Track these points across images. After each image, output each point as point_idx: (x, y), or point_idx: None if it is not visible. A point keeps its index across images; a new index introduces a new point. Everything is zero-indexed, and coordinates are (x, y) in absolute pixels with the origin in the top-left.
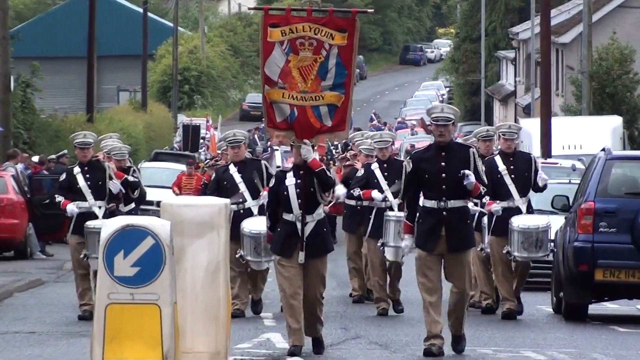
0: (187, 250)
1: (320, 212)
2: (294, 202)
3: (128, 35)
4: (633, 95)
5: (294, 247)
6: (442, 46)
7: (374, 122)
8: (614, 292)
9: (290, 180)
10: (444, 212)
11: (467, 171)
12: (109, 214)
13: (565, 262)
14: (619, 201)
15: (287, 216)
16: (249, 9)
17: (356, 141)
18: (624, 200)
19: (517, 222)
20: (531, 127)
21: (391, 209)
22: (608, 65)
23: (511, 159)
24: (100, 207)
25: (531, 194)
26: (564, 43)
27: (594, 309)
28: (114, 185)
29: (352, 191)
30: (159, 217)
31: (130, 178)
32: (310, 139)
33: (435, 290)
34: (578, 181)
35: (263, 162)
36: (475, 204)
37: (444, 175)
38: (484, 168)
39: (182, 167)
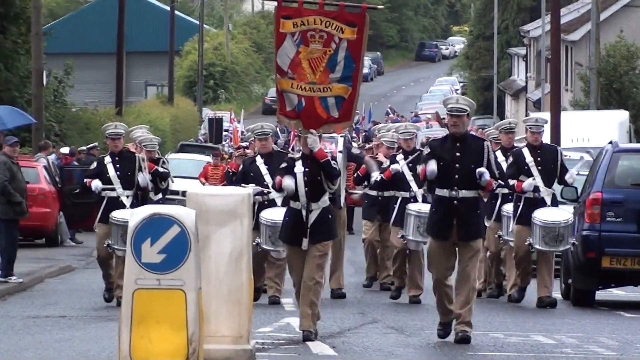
0: (212, 238)
1: (326, 199)
2: (301, 190)
3: (156, 32)
4: (639, 91)
5: (299, 234)
6: (457, 43)
7: (391, 116)
8: (620, 279)
9: (298, 169)
10: (455, 201)
11: (482, 169)
12: (137, 203)
13: (573, 250)
14: (625, 192)
15: (293, 204)
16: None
17: (378, 133)
18: (630, 191)
19: (540, 216)
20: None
21: (415, 199)
22: (615, 62)
23: (538, 151)
24: (128, 197)
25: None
26: (573, 40)
27: (601, 295)
28: (143, 179)
29: (375, 178)
30: (184, 206)
31: (160, 169)
32: (317, 129)
33: (446, 278)
34: (586, 173)
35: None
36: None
37: (457, 165)
38: (510, 159)
39: (207, 159)
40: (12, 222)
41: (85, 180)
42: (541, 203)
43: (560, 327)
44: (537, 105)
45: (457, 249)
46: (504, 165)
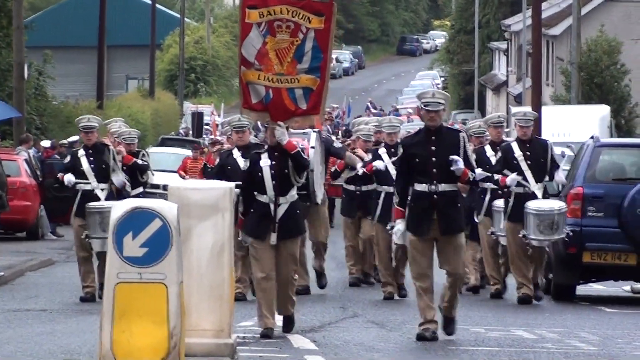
0: (193, 232)
1: (294, 194)
2: (269, 184)
3: (137, 26)
4: (620, 86)
5: (267, 229)
6: (438, 37)
7: (371, 110)
8: (601, 274)
9: (265, 162)
10: (435, 196)
11: (455, 157)
12: (112, 197)
13: (554, 245)
14: (606, 187)
15: (260, 197)
16: None
17: (355, 127)
18: (611, 186)
19: (533, 205)
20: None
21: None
22: (596, 57)
23: (527, 145)
24: (102, 190)
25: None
26: (554, 35)
27: (581, 290)
28: (118, 180)
29: (357, 171)
30: (165, 199)
31: (139, 161)
32: (284, 121)
33: (426, 276)
34: (567, 168)
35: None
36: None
37: (434, 159)
38: (499, 154)
39: (188, 152)
40: None
41: (58, 174)
42: (532, 197)
43: (541, 322)
44: (518, 99)
45: (437, 244)
46: (493, 160)
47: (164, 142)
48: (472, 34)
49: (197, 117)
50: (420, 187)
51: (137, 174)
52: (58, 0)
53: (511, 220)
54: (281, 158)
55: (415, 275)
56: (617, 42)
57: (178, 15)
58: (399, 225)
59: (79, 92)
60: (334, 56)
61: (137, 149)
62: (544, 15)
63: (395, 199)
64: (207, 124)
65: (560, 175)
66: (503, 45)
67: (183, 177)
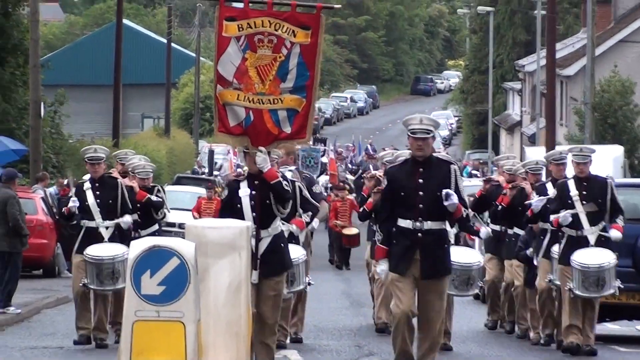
0: (211, 270)
1: (277, 226)
2: (248, 215)
3: (152, 64)
4: (633, 126)
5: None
6: (452, 77)
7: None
8: (615, 313)
9: (244, 191)
10: (419, 234)
11: (448, 191)
12: (115, 237)
13: None
14: None
15: None
16: None
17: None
18: (625, 226)
19: (578, 259)
20: (536, 155)
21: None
22: (610, 97)
23: (584, 183)
24: (107, 228)
25: None
26: (568, 75)
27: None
28: (125, 223)
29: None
30: (182, 238)
31: (154, 198)
32: (266, 147)
33: (409, 318)
34: None
35: (297, 183)
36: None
37: (421, 193)
38: (555, 192)
39: (203, 191)
40: (17, 255)
41: (63, 209)
42: (584, 242)
43: (535, 354)
44: (532, 139)
45: (418, 287)
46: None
47: (179, 181)
48: (486, 74)
49: (209, 154)
50: (404, 223)
51: (151, 211)
52: (74, 38)
53: (561, 264)
54: (262, 187)
55: (396, 310)
56: (630, 82)
57: (193, 54)
58: (383, 266)
59: (94, 131)
60: (348, 95)
61: (152, 184)
62: (558, 55)
63: (378, 236)
64: (216, 163)
65: (616, 232)
66: (517, 85)
67: (196, 218)
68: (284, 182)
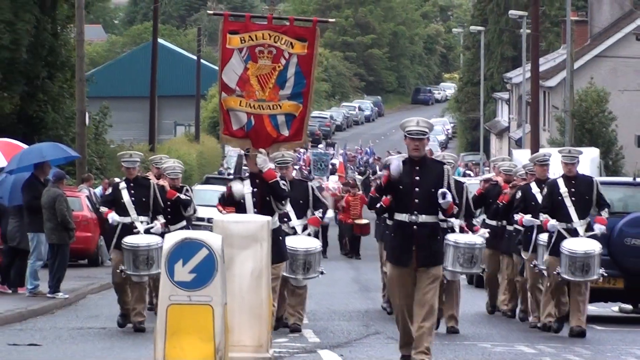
0: (236, 260)
1: (276, 220)
2: (250, 211)
3: (184, 78)
4: (608, 131)
5: None
6: (448, 89)
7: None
8: (593, 297)
9: (246, 189)
10: (415, 226)
11: (445, 190)
12: (149, 231)
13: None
14: None
15: None
16: (209, 14)
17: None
18: None
19: (567, 245)
20: (522, 157)
21: (452, 230)
22: (587, 105)
23: (573, 181)
24: (142, 222)
25: None
26: (550, 86)
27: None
28: (157, 228)
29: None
30: (211, 231)
31: (182, 196)
32: (266, 148)
33: (410, 309)
34: None
35: (310, 183)
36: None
37: (417, 189)
38: (545, 190)
39: None
40: (65, 246)
41: (101, 208)
42: (574, 234)
43: (541, 338)
44: (519, 143)
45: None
46: (539, 197)
47: (208, 181)
48: (478, 85)
49: (239, 158)
50: (401, 216)
51: (180, 208)
52: (115, 56)
53: (552, 254)
54: (263, 185)
55: (397, 305)
56: (605, 92)
57: None
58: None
59: (133, 137)
60: (356, 105)
61: (180, 185)
62: (541, 69)
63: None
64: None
65: (599, 225)
66: (505, 95)
67: (221, 212)
68: (282, 182)
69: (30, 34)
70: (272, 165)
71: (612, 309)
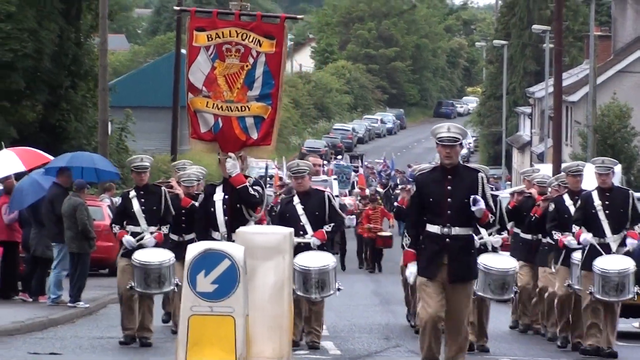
0: (258, 271)
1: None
2: (220, 219)
3: None
4: (630, 146)
5: None
6: (470, 102)
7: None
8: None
9: (218, 196)
10: (447, 239)
11: (476, 196)
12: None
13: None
14: None
15: (214, 234)
16: (174, 8)
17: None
18: None
19: (599, 264)
20: (545, 171)
21: (485, 247)
22: (609, 121)
23: (607, 194)
24: (152, 233)
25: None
26: (573, 101)
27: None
28: (150, 241)
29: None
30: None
31: (196, 204)
32: (235, 152)
33: (437, 322)
34: None
35: (327, 192)
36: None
37: (449, 199)
38: (579, 203)
39: None
40: (86, 255)
41: (114, 230)
42: (606, 249)
43: (562, 353)
44: (540, 157)
45: (445, 291)
46: (572, 210)
47: None
48: (500, 99)
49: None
50: (433, 228)
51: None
52: (137, 65)
53: (585, 269)
54: (233, 192)
55: (425, 315)
56: (627, 108)
57: None
58: (412, 269)
59: (155, 147)
60: (378, 117)
61: (196, 192)
62: (564, 83)
63: (407, 240)
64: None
65: (630, 240)
66: (527, 109)
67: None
68: (253, 188)
69: (54, 43)
70: (239, 171)
71: (633, 324)
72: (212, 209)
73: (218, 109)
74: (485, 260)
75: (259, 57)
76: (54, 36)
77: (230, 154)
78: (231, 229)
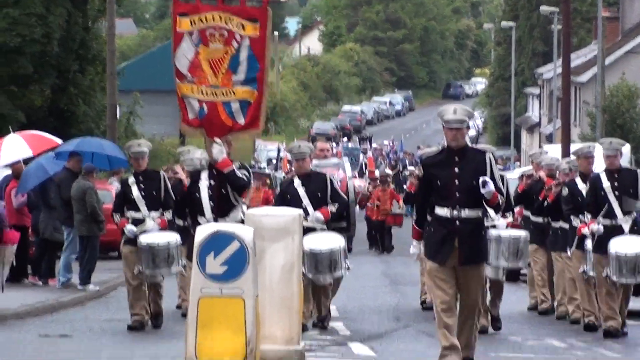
0: (267, 252)
1: (236, 215)
2: (206, 205)
3: None
4: (639, 126)
5: None
6: (478, 84)
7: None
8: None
9: (204, 182)
10: (457, 222)
11: (485, 178)
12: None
13: None
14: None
15: (200, 219)
16: None
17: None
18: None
19: (615, 247)
20: (554, 152)
21: (493, 226)
22: (618, 101)
23: (616, 175)
24: (154, 219)
25: None
26: (582, 82)
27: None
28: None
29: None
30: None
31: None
32: (221, 137)
33: (451, 307)
34: None
35: (328, 175)
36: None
37: (457, 182)
38: (588, 186)
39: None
40: (95, 238)
41: (115, 219)
42: (618, 230)
43: (571, 332)
44: (549, 138)
45: (457, 273)
46: (585, 192)
47: None
48: (509, 80)
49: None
50: (442, 211)
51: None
52: (146, 49)
53: (597, 252)
54: (220, 177)
55: (440, 304)
56: (636, 88)
57: None
58: (415, 248)
59: (163, 131)
60: (387, 99)
61: None
62: (573, 64)
63: (414, 217)
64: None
65: None
66: (536, 90)
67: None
68: (240, 171)
69: (62, 27)
70: (225, 155)
71: None
72: (198, 195)
73: (203, 94)
74: (495, 231)
75: (243, 41)
76: (62, 21)
77: (216, 139)
78: (218, 214)
